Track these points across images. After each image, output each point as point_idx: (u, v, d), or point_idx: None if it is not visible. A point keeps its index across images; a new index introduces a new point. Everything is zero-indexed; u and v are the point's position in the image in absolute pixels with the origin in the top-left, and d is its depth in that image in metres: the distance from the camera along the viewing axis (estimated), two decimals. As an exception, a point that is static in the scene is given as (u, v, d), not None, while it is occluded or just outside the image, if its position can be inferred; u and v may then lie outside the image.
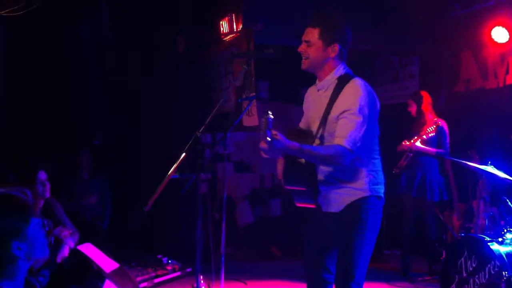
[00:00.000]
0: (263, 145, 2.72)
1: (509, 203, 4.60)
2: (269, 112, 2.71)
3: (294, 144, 2.76)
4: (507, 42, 5.65)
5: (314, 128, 3.03)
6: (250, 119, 6.02)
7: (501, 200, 4.71)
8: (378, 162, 3.04)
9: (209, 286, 4.17)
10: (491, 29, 5.68)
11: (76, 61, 6.47)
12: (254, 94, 5.79)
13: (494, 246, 4.23)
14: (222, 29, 6.21)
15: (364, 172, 2.96)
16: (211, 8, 6.21)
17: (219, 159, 6.74)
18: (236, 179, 7.23)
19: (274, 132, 2.70)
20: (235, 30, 6.09)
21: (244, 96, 5.91)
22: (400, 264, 5.85)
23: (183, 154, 3.53)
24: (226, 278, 4.15)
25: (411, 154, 5.60)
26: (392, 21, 6.12)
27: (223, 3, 6.22)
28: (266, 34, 6.04)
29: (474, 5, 5.93)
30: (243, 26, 5.99)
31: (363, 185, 2.96)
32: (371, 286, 5.30)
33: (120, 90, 6.45)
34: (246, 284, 5.53)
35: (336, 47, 2.97)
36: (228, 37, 6.22)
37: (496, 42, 5.72)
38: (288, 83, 7.41)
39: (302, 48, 3.02)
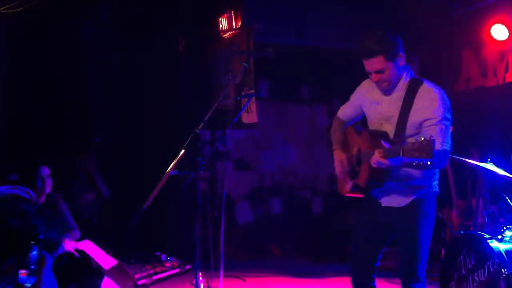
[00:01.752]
0: (381, 159, 2.83)
1: (509, 200, 4.59)
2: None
3: (406, 159, 2.80)
4: (506, 39, 5.65)
5: (385, 128, 3.09)
6: (249, 116, 6.02)
7: (501, 197, 4.70)
8: None
9: (208, 283, 4.18)
10: (491, 27, 5.67)
11: (76, 59, 6.46)
12: (253, 91, 5.80)
13: (494, 244, 4.21)
14: (221, 26, 6.22)
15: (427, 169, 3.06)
16: (210, 6, 6.21)
17: (219, 156, 6.75)
18: (235, 177, 7.23)
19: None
20: (234, 27, 6.09)
21: (243, 94, 5.91)
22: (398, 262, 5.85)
23: (182, 151, 3.54)
24: (225, 275, 4.16)
25: None
26: (392, 21, 6.12)
27: (222, 0, 6.22)
28: (266, 33, 6.05)
29: (474, 4, 5.93)
30: (242, 23, 6.00)
31: (430, 181, 3.10)
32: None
33: (121, 89, 6.45)
34: (245, 281, 5.53)
35: (401, 56, 3.04)
36: (227, 34, 6.22)
37: (495, 40, 5.72)
38: (288, 82, 7.41)
39: (376, 77, 3.04)
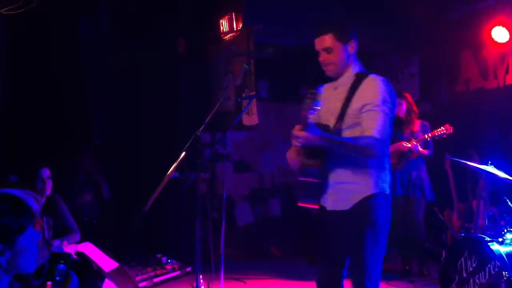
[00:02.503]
0: (298, 131, 2.78)
1: (509, 203, 4.59)
2: (315, 91, 2.81)
3: (327, 133, 2.84)
4: (507, 42, 5.65)
5: (329, 123, 3.02)
6: (250, 118, 6.02)
7: (501, 200, 4.70)
8: (387, 160, 3.04)
9: (208, 286, 4.17)
10: (491, 29, 5.67)
11: (75, 59, 6.45)
12: (254, 93, 5.79)
13: (494, 246, 4.22)
14: (222, 28, 6.21)
15: (373, 169, 2.95)
16: (211, 7, 6.20)
17: (219, 158, 6.74)
18: (235, 179, 7.22)
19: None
20: (235, 29, 6.08)
21: (243, 95, 5.90)
22: (399, 265, 5.85)
23: (183, 153, 3.53)
24: (225, 278, 4.15)
25: (410, 156, 5.63)
26: (392, 21, 6.12)
27: (223, 2, 6.21)
28: (266, 34, 6.04)
29: (474, 5, 5.93)
30: (243, 25, 5.99)
31: (372, 182, 2.94)
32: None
33: (120, 90, 6.44)
34: (245, 283, 5.52)
35: (353, 43, 3.03)
36: (228, 36, 6.22)
37: (496, 42, 5.71)
38: (287, 82, 7.40)
39: (322, 57, 3.03)
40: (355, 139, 2.90)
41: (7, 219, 2.11)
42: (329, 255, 3.09)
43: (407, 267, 5.78)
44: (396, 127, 5.81)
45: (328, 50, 3.00)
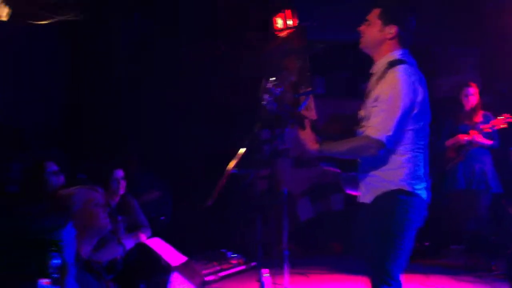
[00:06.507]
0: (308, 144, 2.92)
1: None
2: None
3: (321, 149, 2.89)
4: None
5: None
6: (308, 114, 6.02)
7: None
8: (420, 156, 2.88)
9: (273, 280, 4.23)
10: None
11: (132, 61, 6.65)
12: (310, 89, 5.80)
13: None
14: (276, 25, 6.27)
15: (399, 164, 2.83)
16: (265, 5, 6.27)
17: (278, 154, 6.79)
18: (295, 174, 7.26)
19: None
20: (289, 26, 6.12)
21: (300, 92, 5.92)
22: (466, 260, 5.72)
23: (242, 149, 3.60)
24: (289, 272, 4.20)
25: (470, 148, 5.51)
26: (452, 12, 6.00)
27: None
28: (319, 30, 6.05)
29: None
30: (296, 22, 6.02)
31: (396, 177, 2.83)
32: (437, 280, 5.23)
33: (175, 87, 6.58)
34: (308, 277, 5.55)
35: (393, 29, 2.90)
36: (282, 33, 6.27)
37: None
38: (344, 78, 7.37)
39: (362, 27, 2.99)
40: (348, 142, 2.87)
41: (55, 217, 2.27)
42: (358, 248, 3.06)
43: (474, 262, 5.64)
44: (458, 118, 5.70)
45: (368, 22, 2.96)
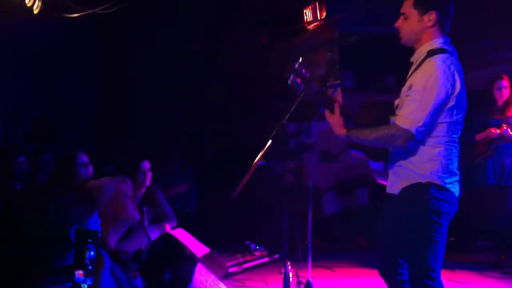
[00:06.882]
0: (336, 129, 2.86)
1: None
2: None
3: (348, 134, 2.86)
4: None
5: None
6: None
7: None
8: (453, 150, 2.80)
9: (296, 272, 4.24)
10: None
11: (166, 55, 6.70)
12: (338, 82, 5.77)
13: None
14: (306, 17, 6.24)
15: (431, 156, 2.76)
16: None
17: (304, 148, 6.77)
18: (321, 169, 7.23)
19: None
20: (318, 18, 6.09)
21: (328, 84, 5.89)
22: (494, 256, 5.64)
23: (269, 142, 3.61)
24: (313, 266, 4.19)
25: (500, 142, 5.40)
26: (485, 5, 5.88)
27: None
28: (349, 23, 6.00)
29: None
30: (326, 14, 5.99)
31: (426, 170, 2.75)
32: (463, 276, 5.16)
33: (209, 81, 6.62)
34: (333, 271, 5.54)
35: (433, 15, 2.78)
36: (312, 25, 6.24)
37: None
38: (373, 71, 7.29)
39: (398, 22, 2.87)
40: (375, 130, 2.79)
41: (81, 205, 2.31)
42: (384, 240, 2.97)
43: (502, 258, 5.56)
44: (490, 112, 5.59)
45: (404, 15, 2.84)
